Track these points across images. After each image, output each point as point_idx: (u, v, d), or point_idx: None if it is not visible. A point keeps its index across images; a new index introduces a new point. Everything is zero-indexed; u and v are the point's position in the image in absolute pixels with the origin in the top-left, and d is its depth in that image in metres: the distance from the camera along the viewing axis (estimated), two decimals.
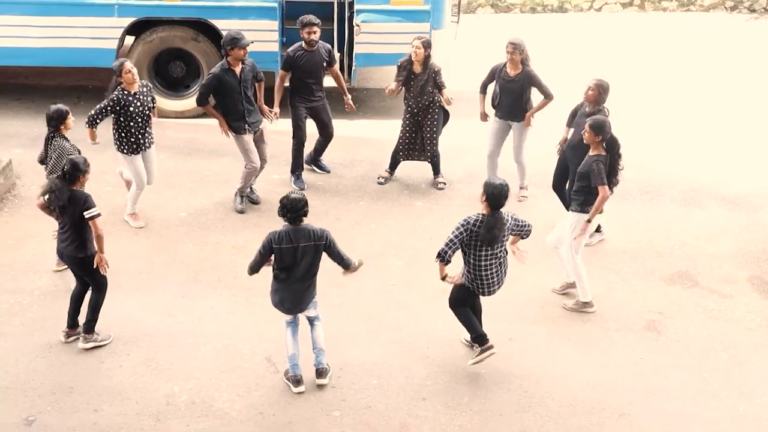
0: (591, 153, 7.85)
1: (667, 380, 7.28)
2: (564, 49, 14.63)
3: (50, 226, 8.85)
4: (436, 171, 10.32)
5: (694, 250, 9.13)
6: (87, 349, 7.32)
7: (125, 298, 7.66)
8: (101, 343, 7.37)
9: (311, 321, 7.12)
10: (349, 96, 10.28)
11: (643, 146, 11.34)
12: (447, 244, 6.85)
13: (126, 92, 8.63)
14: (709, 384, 7.25)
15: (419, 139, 10.10)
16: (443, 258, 6.86)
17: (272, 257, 6.76)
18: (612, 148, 7.80)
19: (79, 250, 7.13)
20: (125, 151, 8.79)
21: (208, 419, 6.73)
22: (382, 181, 10.36)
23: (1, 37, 11.17)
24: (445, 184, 10.28)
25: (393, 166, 10.39)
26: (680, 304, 8.27)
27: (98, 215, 7.06)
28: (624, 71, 13.55)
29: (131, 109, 8.63)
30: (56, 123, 8.00)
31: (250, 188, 9.68)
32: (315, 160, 10.46)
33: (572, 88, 9.36)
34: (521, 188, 10.02)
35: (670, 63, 14.58)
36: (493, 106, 9.80)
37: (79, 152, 7.98)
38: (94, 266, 7.12)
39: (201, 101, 9.38)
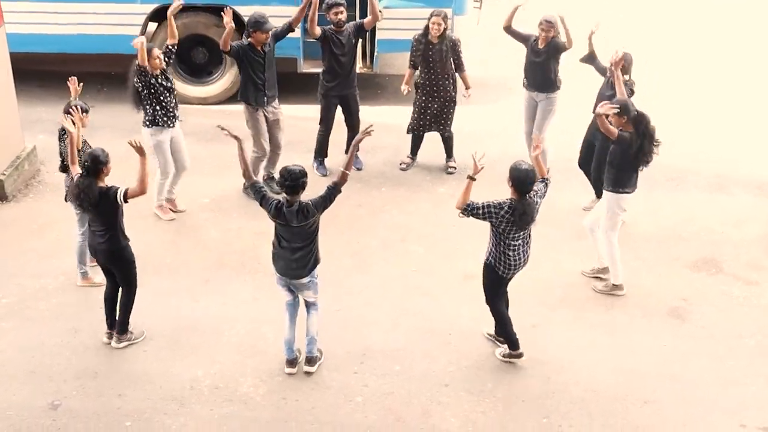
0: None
1: (691, 367, 7.24)
2: (588, 31, 14.50)
3: (74, 212, 8.94)
4: (449, 153, 10.31)
5: (720, 237, 9.06)
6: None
7: (149, 283, 7.69)
8: (135, 341, 7.37)
9: (308, 308, 7.08)
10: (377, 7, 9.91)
11: (669, 132, 11.19)
12: (476, 207, 6.67)
13: (143, 71, 8.60)
14: (733, 371, 7.20)
15: (434, 113, 10.02)
16: (467, 210, 6.69)
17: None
18: (639, 125, 7.65)
19: (112, 243, 7.04)
20: (160, 122, 8.76)
21: (232, 404, 6.76)
22: (404, 167, 10.33)
23: (25, 23, 11.21)
24: (455, 168, 10.25)
25: (414, 149, 10.36)
26: (705, 291, 8.21)
27: (126, 189, 6.85)
28: (650, 54, 13.43)
29: (153, 81, 8.64)
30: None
31: (271, 175, 9.66)
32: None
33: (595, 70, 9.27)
34: None
35: (697, 46, 14.44)
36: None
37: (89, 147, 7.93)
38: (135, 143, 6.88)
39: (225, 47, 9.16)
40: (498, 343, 7.39)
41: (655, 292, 8.16)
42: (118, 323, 7.30)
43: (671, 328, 7.72)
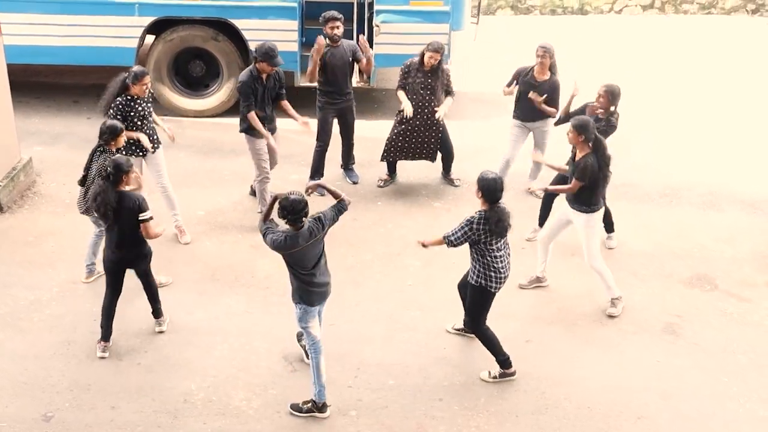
0: (579, 154, 7.72)
1: (685, 383, 7.25)
2: (584, 52, 14.59)
3: (69, 224, 8.94)
4: (447, 169, 10.33)
5: (713, 253, 9.09)
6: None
7: (143, 296, 7.68)
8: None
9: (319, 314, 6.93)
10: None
11: (662, 149, 11.30)
12: (457, 237, 6.89)
13: (129, 97, 8.35)
14: (727, 387, 7.22)
15: (423, 142, 9.84)
16: (453, 245, 6.97)
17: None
18: (598, 150, 7.62)
19: (142, 247, 7.23)
20: (134, 154, 8.54)
21: (225, 417, 6.76)
22: (382, 183, 10.26)
23: (22, 35, 11.22)
24: (459, 180, 10.29)
25: (392, 168, 10.31)
26: (698, 307, 8.23)
27: (151, 218, 7.09)
28: (643, 74, 13.50)
29: (132, 113, 8.39)
30: (107, 138, 7.69)
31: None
32: (345, 168, 10.42)
33: (591, 91, 9.29)
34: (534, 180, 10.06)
35: (689, 66, 14.50)
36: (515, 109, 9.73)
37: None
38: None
39: (249, 110, 8.92)
40: (467, 335, 7.51)
41: (648, 309, 8.17)
42: (154, 310, 7.63)
43: (665, 344, 7.73)
